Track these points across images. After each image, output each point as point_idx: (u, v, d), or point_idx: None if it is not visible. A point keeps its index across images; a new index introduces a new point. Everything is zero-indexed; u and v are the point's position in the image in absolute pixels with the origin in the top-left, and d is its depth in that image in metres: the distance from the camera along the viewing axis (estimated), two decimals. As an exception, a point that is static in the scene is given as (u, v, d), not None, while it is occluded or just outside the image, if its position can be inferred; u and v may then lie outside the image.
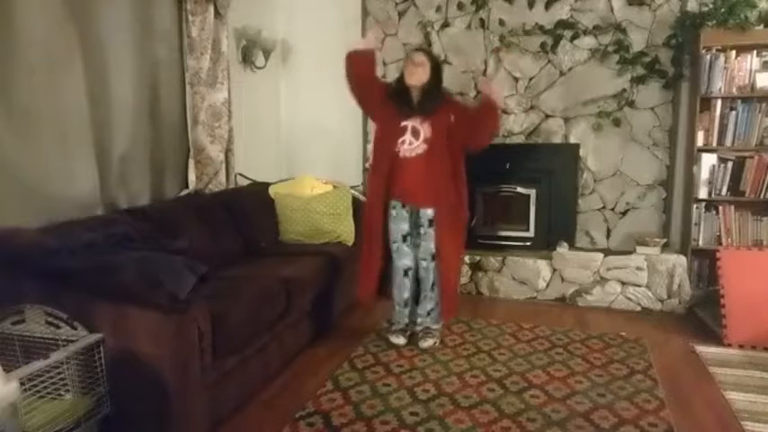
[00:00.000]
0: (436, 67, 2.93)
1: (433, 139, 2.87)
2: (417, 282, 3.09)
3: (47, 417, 1.82)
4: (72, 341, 1.93)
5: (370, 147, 4.48)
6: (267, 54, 4.20)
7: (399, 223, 2.99)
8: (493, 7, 4.10)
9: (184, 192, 3.42)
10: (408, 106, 2.89)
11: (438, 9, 4.22)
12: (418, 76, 2.86)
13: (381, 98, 2.96)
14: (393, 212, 2.99)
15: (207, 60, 3.44)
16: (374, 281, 3.03)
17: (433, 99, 2.89)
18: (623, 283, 3.80)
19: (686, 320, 3.57)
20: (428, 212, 2.94)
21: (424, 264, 3.02)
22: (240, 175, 3.92)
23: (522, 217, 4.18)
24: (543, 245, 4.10)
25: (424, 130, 2.87)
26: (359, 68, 2.96)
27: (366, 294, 3.08)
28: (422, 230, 2.98)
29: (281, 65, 4.61)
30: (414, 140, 2.87)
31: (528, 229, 4.17)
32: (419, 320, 3.12)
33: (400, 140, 2.88)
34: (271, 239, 3.67)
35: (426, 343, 3.05)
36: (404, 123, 2.89)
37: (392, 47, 4.38)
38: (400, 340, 3.08)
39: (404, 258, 3.04)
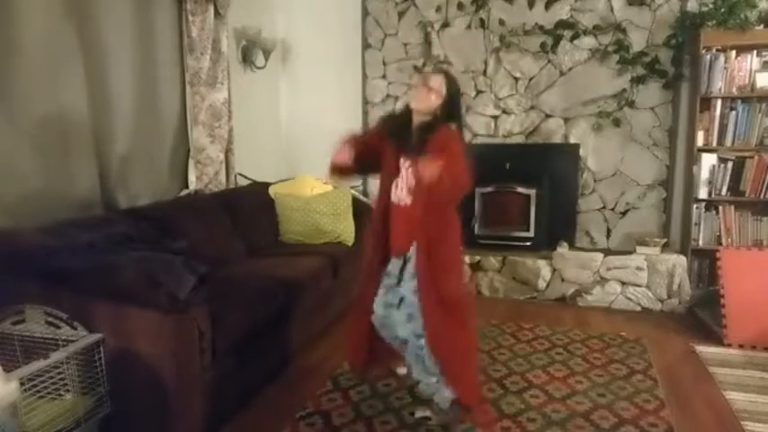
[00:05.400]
0: (451, 96, 2.26)
1: (417, 190, 2.19)
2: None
3: (47, 417, 1.82)
4: (72, 341, 1.93)
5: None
6: (267, 54, 4.20)
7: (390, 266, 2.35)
8: (493, 7, 4.10)
9: (184, 192, 3.42)
10: (407, 143, 2.26)
11: (438, 9, 4.22)
12: (426, 103, 2.23)
13: (380, 140, 2.36)
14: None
15: (207, 60, 3.44)
16: (363, 346, 2.39)
17: (427, 134, 2.21)
18: (623, 283, 3.80)
19: (686, 320, 3.57)
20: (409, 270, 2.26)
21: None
22: (240, 175, 3.92)
23: (522, 217, 4.17)
24: (543, 245, 4.09)
25: (410, 177, 2.22)
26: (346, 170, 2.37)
27: (354, 360, 2.48)
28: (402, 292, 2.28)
29: (280, 65, 4.61)
30: (403, 186, 2.26)
31: (528, 229, 4.16)
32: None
33: (394, 183, 2.29)
34: (271, 239, 3.67)
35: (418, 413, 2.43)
36: (401, 162, 2.28)
37: (392, 46, 4.38)
38: (402, 369, 2.56)
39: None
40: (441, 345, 2.16)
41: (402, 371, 2.73)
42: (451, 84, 2.29)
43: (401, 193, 2.28)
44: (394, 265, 2.33)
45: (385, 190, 2.33)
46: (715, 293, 3.36)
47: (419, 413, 2.41)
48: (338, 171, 2.39)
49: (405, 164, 2.27)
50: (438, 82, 2.25)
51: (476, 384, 2.33)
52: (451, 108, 2.28)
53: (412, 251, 2.23)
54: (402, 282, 2.28)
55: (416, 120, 2.28)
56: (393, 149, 2.32)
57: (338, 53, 4.54)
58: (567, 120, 4.09)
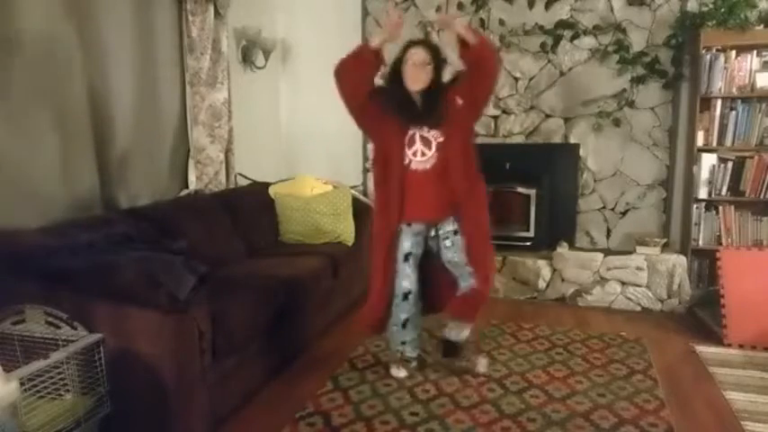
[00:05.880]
0: (438, 62, 2.48)
1: (446, 141, 2.48)
2: (423, 305, 2.76)
3: (47, 417, 1.82)
4: (72, 341, 1.93)
5: (371, 147, 4.51)
6: (267, 54, 4.20)
7: (403, 241, 2.61)
8: (493, 7, 4.10)
9: (184, 192, 3.42)
10: (413, 112, 2.49)
11: (438, 9, 4.21)
12: (422, 80, 2.44)
13: (378, 109, 2.54)
14: (398, 229, 2.60)
15: (207, 60, 3.44)
16: (380, 311, 2.67)
17: (440, 101, 2.46)
18: (623, 283, 3.80)
19: (686, 320, 3.57)
20: (448, 225, 2.59)
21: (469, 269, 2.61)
22: (240, 175, 3.92)
23: (522, 217, 4.17)
24: (543, 245, 4.09)
25: (435, 136, 2.48)
26: (354, 79, 2.55)
27: (367, 324, 2.75)
28: (447, 243, 2.60)
29: (280, 65, 4.61)
30: (426, 151, 2.49)
31: (528, 229, 4.16)
32: (450, 326, 2.80)
33: (411, 152, 2.49)
34: (271, 239, 3.67)
35: (481, 366, 2.79)
36: (411, 132, 2.50)
37: (392, 46, 4.35)
38: (400, 373, 2.75)
39: (404, 280, 2.63)
40: (477, 244, 2.57)
41: (399, 373, 2.76)
42: (434, 50, 2.49)
43: (423, 158, 2.50)
44: (415, 236, 2.61)
45: (395, 162, 2.52)
46: (715, 293, 3.36)
47: (480, 369, 2.77)
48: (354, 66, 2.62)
49: (427, 131, 2.49)
50: (423, 56, 2.46)
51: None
52: (442, 69, 2.49)
53: (447, 223, 2.57)
54: (444, 241, 2.60)
55: (416, 95, 2.49)
56: (398, 123, 2.51)
57: (338, 53, 4.50)
58: (567, 120, 4.09)
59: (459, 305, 2.68)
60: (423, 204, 2.54)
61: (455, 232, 2.58)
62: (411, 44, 2.51)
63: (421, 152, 2.50)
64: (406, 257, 2.63)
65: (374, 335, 2.86)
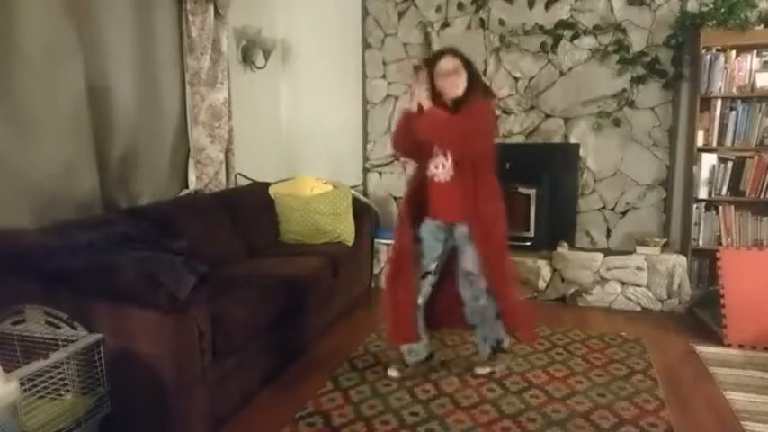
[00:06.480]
0: (469, 68, 2.48)
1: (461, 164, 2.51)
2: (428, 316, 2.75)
3: (47, 417, 1.82)
4: (72, 341, 1.94)
5: (370, 147, 4.53)
6: (267, 54, 4.20)
7: (422, 231, 2.67)
8: (493, 7, 4.10)
9: (184, 192, 3.42)
10: None
11: (438, 9, 4.21)
12: (460, 84, 2.44)
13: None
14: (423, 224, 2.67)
15: (207, 60, 3.44)
16: (410, 320, 2.63)
17: (459, 106, 2.47)
18: (623, 283, 3.80)
19: (686, 320, 3.57)
20: (463, 229, 2.58)
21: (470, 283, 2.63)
22: (240, 175, 3.92)
23: (522, 217, 4.17)
24: (543, 245, 4.09)
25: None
26: (407, 137, 2.55)
27: (403, 338, 2.68)
28: (459, 248, 2.64)
29: (280, 65, 4.61)
30: (445, 162, 2.52)
31: (528, 229, 4.16)
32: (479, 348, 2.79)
33: (433, 164, 2.56)
34: (271, 239, 3.67)
35: (483, 369, 2.78)
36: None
37: (392, 46, 4.38)
38: (393, 373, 2.74)
39: (427, 264, 2.69)
40: (494, 272, 2.56)
41: (394, 373, 2.75)
42: (464, 58, 2.48)
43: (444, 169, 2.54)
44: (439, 231, 2.65)
45: (421, 174, 2.62)
46: (715, 293, 3.36)
47: (479, 370, 2.77)
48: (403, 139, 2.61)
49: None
50: (452, 62, 2.46)
51: (520, 304, 2.83)
52: (473, 78, 2.49)
53: (463, 227, 2.57)
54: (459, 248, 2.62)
55: (450, 101, 2.50)
56: None
57: (338, 53, 4.54)
58: (566, 120, 4.09)
59: (509, 323, 2.71)
60: (446, 209, 2.60)
61: (471, 238, 2.57)
62: (439, 55, 2.50)
63: (441, 164, 2.55)
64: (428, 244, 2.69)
65: (406, 343, 2.72)
